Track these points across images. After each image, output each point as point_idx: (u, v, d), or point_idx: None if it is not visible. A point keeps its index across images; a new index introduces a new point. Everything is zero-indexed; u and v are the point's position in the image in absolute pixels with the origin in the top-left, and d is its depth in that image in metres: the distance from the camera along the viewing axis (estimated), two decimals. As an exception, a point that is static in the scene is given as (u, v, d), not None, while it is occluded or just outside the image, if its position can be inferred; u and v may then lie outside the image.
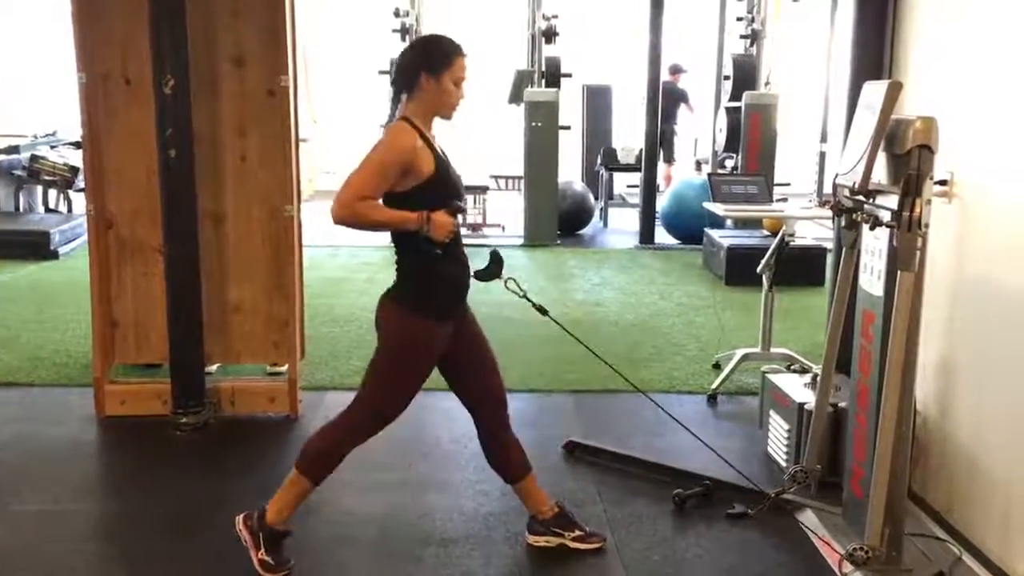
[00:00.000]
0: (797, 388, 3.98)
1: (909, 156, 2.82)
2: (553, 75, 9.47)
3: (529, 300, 3.18)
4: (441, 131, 3.03)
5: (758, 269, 5.18)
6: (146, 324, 4.58)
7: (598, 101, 12.76)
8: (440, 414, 4.42)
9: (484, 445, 3.25)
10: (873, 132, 2.90)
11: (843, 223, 3.28)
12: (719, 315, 6.46)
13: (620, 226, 10.88)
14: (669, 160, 12.01)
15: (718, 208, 4.94)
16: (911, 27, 3.91)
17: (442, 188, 2.91)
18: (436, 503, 3.66)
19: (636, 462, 3.98)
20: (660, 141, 11.74)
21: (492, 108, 10.20)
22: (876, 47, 4.10)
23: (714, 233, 8.23)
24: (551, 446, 4.19)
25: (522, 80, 9.73)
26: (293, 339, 4.56)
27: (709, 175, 5.08)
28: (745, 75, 9.58)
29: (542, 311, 3.22)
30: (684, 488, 3.68)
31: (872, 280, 3.08)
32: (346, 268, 8.10)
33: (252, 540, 3.05)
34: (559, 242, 9.50)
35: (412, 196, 2.86)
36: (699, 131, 13.30)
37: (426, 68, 2.90)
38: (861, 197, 3.01)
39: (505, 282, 3.08)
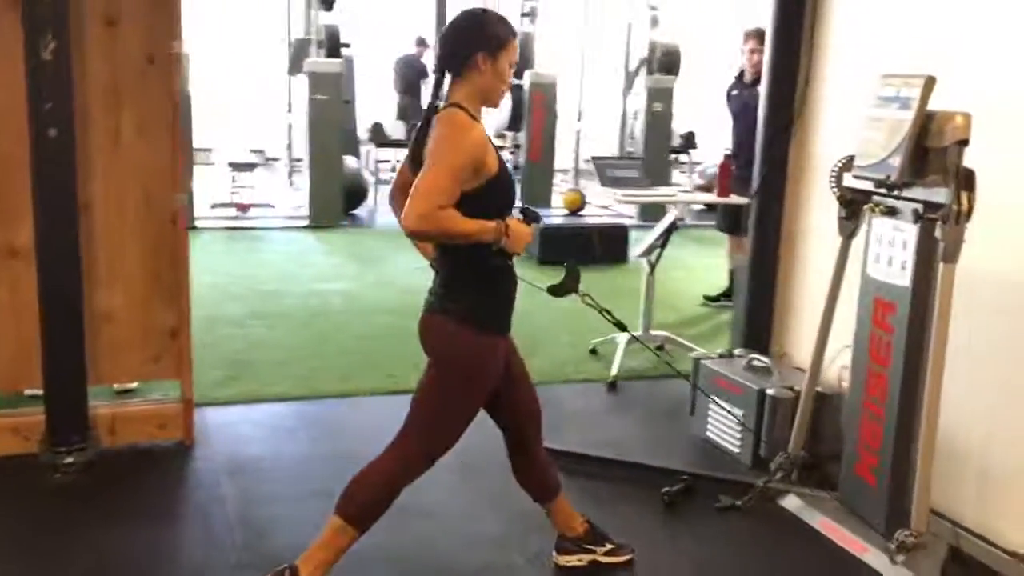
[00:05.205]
0: (741, 374, 4.03)
1: (946, 151, 2.91)
2: (333, 45, 8.88)
3: (609, 317, 2.97)
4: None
5: (638, 254, 5.19)
6: (-15, 343, 3.69)
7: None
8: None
9: (515, 463, 2.94)
10: (909, 127, 2.95)
11: (843, 213, 3.33)
12: (595, 303, 6.41)
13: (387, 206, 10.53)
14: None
15: (615, 195, 4.87)
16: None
17: (504, 187, 2.59)
18: (429, 530, 3.29)
19: (606, 463, 3.84)
20: (402, 116, 11.55)
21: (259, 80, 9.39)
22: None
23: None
24: (493, 448, 3.89)
25: (301, 49, 9.05)
26: (183, 352, 3.89)
27: (594, 159, 4.99)
28: (524, 53, 9.60)
29: (622, 327, 3.01)
30: (666, 485, 3.60)
31: (893, 271, 3.15)
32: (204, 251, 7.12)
33: (284, 605, 2.54)
34: (345, 223, 8.99)
35: (474, 198, 2.49)
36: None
37: (485, 48, 2.53)
38: (883, 189, 3.07)
39: (582, 297, 2.82)
